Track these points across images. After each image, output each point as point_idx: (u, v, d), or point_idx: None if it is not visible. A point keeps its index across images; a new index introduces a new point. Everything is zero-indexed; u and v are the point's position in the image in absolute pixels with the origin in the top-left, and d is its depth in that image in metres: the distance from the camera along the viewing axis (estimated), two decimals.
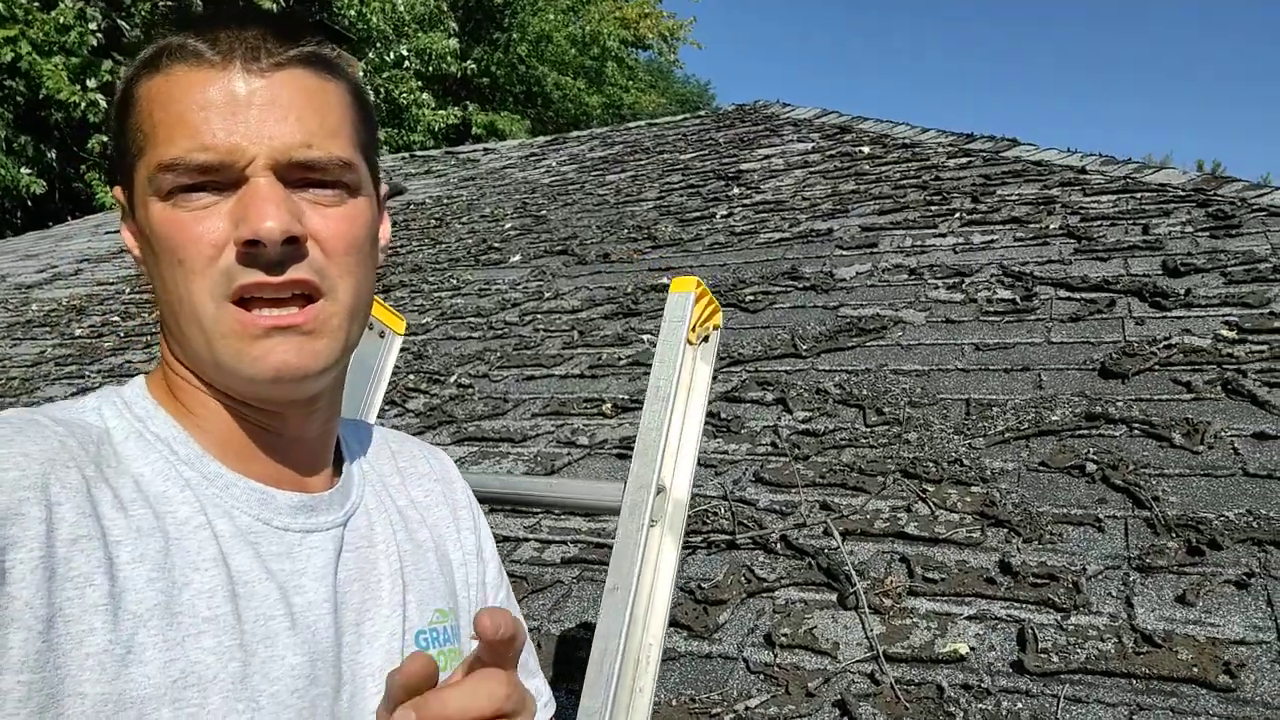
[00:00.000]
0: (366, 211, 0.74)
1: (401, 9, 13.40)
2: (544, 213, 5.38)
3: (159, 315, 0.74)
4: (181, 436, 0.71)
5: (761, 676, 1.63)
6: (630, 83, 19.50)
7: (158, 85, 0.68)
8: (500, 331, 3.66)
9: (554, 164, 6.86)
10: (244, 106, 0.66)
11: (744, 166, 5.31)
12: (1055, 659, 1.51)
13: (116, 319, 5.00)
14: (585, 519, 2.25)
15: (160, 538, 0.65)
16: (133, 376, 3.12)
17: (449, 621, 0.85)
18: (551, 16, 16.62)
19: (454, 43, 14.43)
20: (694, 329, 1.13)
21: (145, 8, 11.61)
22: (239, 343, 0.68)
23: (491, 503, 1.18)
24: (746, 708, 1.55)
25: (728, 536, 2.00)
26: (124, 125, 0.70)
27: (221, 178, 0.66)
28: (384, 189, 0.81)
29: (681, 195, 5.02)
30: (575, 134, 8.12)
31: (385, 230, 0.81)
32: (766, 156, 5.42)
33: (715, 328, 1.18)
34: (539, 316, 3.71)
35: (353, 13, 12.63)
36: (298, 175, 0.68)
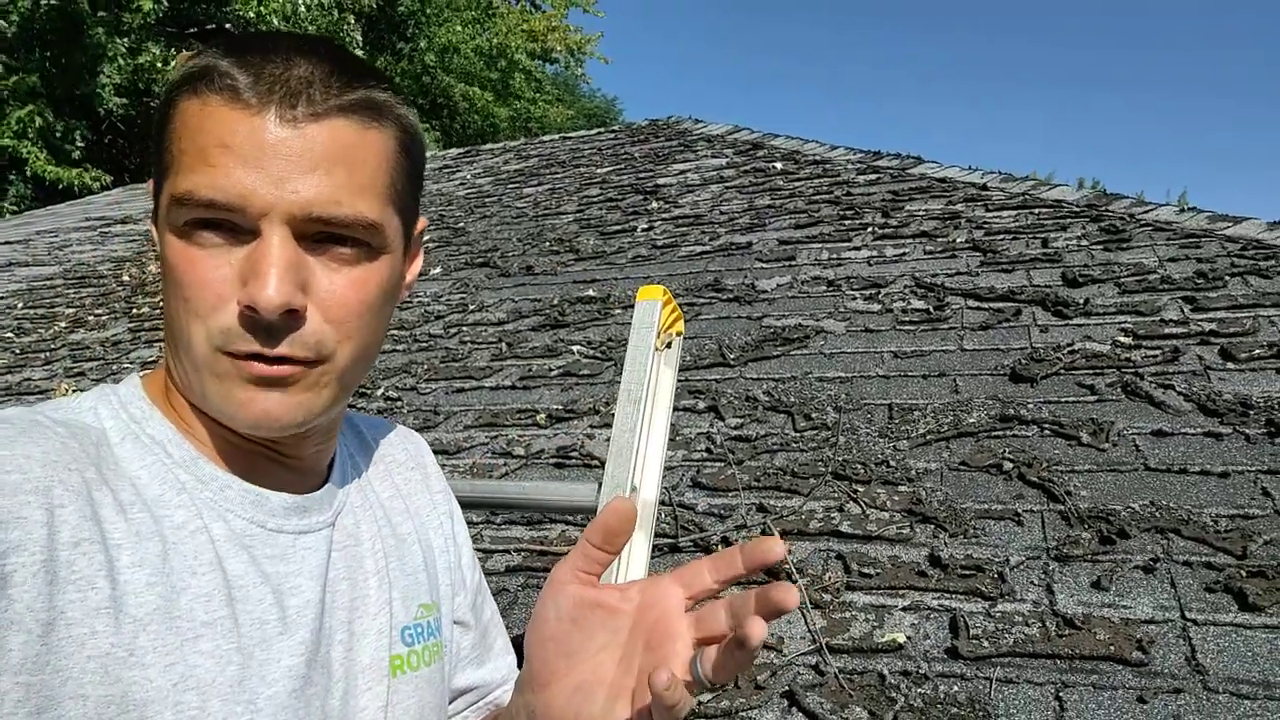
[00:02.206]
0: (385, 271, 0.71)
1: (303, 13, 13.10)
2: (462, 225, 5.36)
3: (164, 324, 0.73)
4: (176, 439, 0.71)
5: None
6: (537, 95, 19.48)
7: (192, 111, 0.66)
8: (425, 344, 3.64)
9: (468, 176, 6.83)
10: (269, 155, 0.64)
11: (661, 181, 5.40)
12: (986, 644, 1.62)
13: (10, 335, 4.76)
14: (526, 528, 2.28)
15: (158, 542, 0.65)
16: (39, 391, 2.96)
17: (432, 615, 0.86)
18: (458, 28, 16.48)
19: (359, 55, 14.20)
20: (659, 335, 1.19)
21: (24, 5, 11.06)
22: (229, 383, 0.67)
23: (463, 507, 1.20)
24: (699, 702, 1.61)
25: (671, 540, 2.06)
26: (160, 137, 0.69)
27: (235, 221, 0.65)
28: (421, 224, 0.79)
29: (601, 209, 5.08)
30: (488, 146, 8.10)
31: (414, 270, 0.80)
32: (682, 171, 5.53)
33: (678, 334, 1.24)
34: (465, 329, 3.71)
35: (251, 14, 12.27)
36: (316, 230, 0.66)
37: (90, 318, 4.89)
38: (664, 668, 0.58)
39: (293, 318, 0.66)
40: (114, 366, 4.05)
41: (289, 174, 0.64)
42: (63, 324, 4.85)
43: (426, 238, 5.17)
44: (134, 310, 4.88)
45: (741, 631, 0.57)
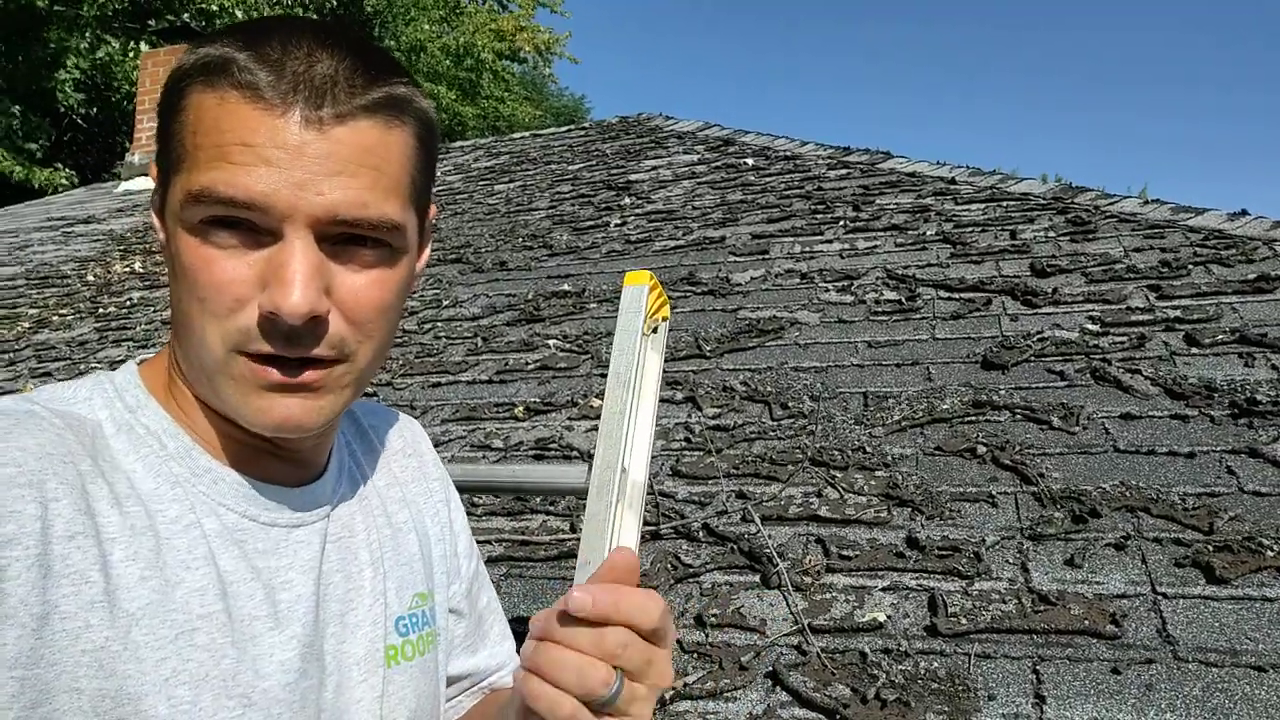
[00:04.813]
0: (403, 271, 0.71)
1: (265, 10, 12.95)
2: (434, 221, 5.34)
3: (172, 318, 0.72)
4: (171, 429, 0.71)
5: (696, 655, 1.71)
6: (506, 94, 19.41)
7: (208, 105, 0.63)
8: (400, 339, 3.63)
9: (439, 173, 6.81)
10: (293, 157, 0.62)
11: (633, 177, 5.42)
12: (964, 621, 1.65)
13: None
14: (507, 518, 2.29)
15: (151, 537, 0.65)
16: (2, 391, 2.92)
17: (427, 605, 0.86)
18: (426, 26, 16.39)
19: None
20: (646, 320, 1.20)
21: None
22: (245, 389, 0.66)
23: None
24: (685, 684, 1.63)
25: (652, 527, 2.08)
26: (169, 122, 0.67)
27: (255, 221, 0.63)
28: (432, 211, 0.78)
29: (573, 205, 5.09)
30: (458, 144, 8.07)
31: (424, 259, 0.78)
32: (654, 167, 5.55)
33: (664, 319, 1.25)
34: (439, 324, 3.71)
35: (214, 6, 12.09)
36: (339, 232, 0.65)
37: (55, 318, 4.81)
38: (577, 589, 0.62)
39: (316, 323, 0.65)
40: (81, 367, 4.00)
41: (313, 177, 0.62)
42: (26, 324, 4.77)
43: None
44: (100, 310, 4.82)
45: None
